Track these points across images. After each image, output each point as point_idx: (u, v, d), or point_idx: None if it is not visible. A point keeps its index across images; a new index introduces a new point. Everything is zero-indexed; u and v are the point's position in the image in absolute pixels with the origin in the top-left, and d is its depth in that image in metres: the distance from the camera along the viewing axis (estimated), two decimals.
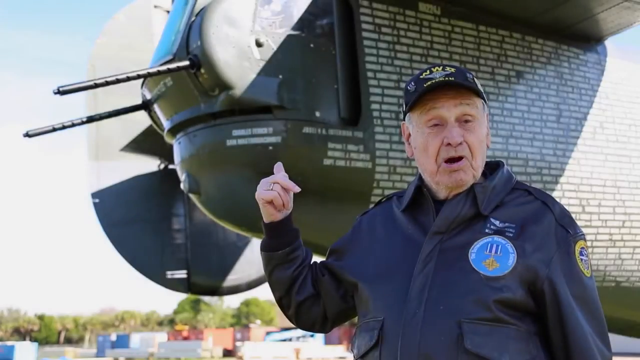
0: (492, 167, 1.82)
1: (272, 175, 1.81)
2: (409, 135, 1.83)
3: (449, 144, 1.69)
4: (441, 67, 1.72)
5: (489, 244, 1.65)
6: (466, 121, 1.71)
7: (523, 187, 1.79)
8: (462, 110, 1.70)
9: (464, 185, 1.72)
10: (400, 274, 1.68)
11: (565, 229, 1.68)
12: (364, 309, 1.81)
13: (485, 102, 1.77)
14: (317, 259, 2.05)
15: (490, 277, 1.60)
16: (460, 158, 1.71)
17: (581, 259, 1.67)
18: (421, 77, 1.73)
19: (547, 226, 1.67)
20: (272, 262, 1.88)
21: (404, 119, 1.85)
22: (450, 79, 1.68)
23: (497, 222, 1.68)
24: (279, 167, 1.85)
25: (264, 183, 1.80)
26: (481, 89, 1.74)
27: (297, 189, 1.79)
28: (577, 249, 1.67)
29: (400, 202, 1.86)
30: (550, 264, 1.62)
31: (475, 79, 1.73)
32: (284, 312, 2.03)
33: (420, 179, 1.82)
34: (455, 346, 1.55)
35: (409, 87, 1.77)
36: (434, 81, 1.68)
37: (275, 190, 1.78)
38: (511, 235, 1.65)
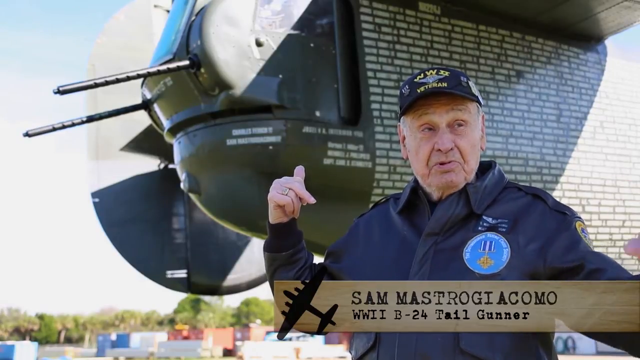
0: (484, 168, 1.83)
1: (287, 179, 1.78)
2: (404, 137, 1.84)
3: (439, 150, 1.70)
4: (435, 71, 1.72)
5: (483, 242, 1.64)
6: (459, 125, 1.72)
7: (513, 185, 1.80)
8: (454, 115, 1.71)
9: (455, 187, 1.73)
10: (396, 275, 1.68)
11: (562, 212, 1.67)
12: None
13: (480, 104, 1.78)
14: (316, 258, 2.05)
15: (485, 276, 1.59)
16: (451, 161, 1.72)
17: (584, 236, 1.64)
18: (415, 80, 1.73)
19: (541, 214, 1.67)
20: (275, 263, 1.87)
21: (399, 121, 1.85)
22: (443, 84, 1.69)
23: (489, 219, 1.69)
24: (300, 170, 1.82)
25: (279, 186, 1.76)
26: (476, 92, 1.75)
27: (312, 200, 1.75)
28: (578, 227, 1.65)
29: (397, 204, 1.86)
30: (552, 244, 1.60)
31: (469, 82, 1.73)
32: None
33: (416, 180, 1.83)
34: (451, 346, 1.55)
35: (403, 91, 1.77)
36: (426, 87, 1.69)
37: (289, 197, 1.74)
38: (504, 230, 1.65)
